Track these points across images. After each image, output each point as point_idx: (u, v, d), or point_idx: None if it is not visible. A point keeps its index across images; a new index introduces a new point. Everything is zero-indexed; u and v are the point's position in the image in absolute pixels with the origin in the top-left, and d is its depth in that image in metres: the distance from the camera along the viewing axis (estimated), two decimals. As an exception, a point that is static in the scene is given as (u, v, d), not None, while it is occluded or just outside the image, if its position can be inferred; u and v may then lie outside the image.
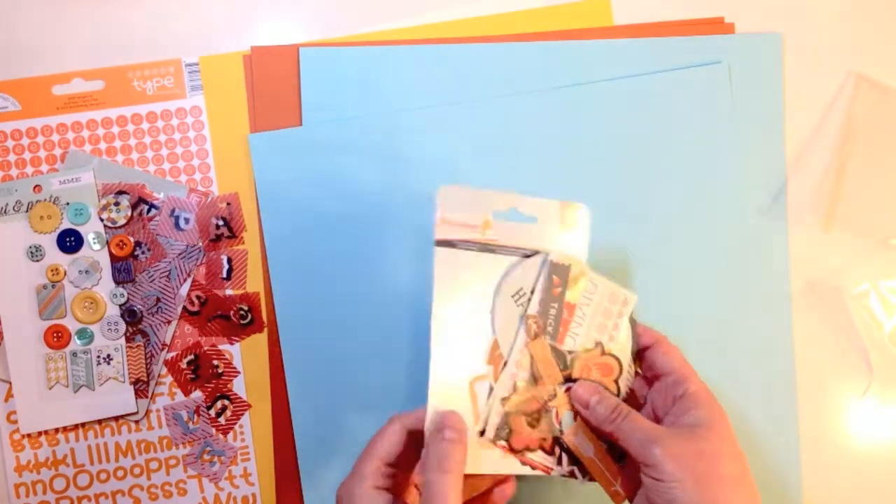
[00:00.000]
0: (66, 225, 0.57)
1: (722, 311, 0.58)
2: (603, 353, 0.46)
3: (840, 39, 0.61)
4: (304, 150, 0.59)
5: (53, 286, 0.57)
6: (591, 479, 0.46)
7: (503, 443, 0.45)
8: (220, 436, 0.58)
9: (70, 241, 0.57)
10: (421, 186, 0.59)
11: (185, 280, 0.58)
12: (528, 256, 0.46)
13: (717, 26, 0.60)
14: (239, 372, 0.58)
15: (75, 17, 0.59)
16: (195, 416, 0.58)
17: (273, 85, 0.59)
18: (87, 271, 0.57)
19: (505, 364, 0.46)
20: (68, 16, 0.59)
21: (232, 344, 0.58)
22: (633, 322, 0.47)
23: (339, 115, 0.59)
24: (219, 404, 0.58)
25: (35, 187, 0.57)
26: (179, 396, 0.58)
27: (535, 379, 0.46)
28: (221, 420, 0.58)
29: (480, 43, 0.60)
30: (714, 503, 0.40)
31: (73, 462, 0.58)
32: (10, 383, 0.57)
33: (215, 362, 0.58)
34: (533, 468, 0.46)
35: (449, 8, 0.60)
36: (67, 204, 0.57)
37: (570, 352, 0.46)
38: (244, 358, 0.58)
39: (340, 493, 0.44)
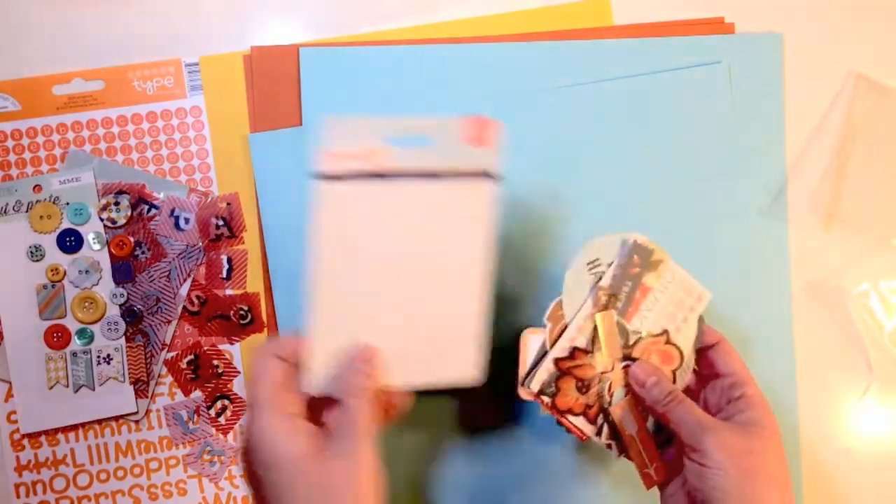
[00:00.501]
0: (66, 225, 0.57)
1: (722, 311, 0.58)
2: (668, 341, 0.47)
3: (840, 39, 0.61)
4: (304, 150, 0.59)
5: (53, 286, 0.57)
6: (627, 457, 0.47)
7: (547, 399, 0.46)
8: (220, 436, 0.58)
9: (70, 241, 0.57)
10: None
11: (185, 280, 0.58)
12: (427, 176, 0.44)
13: (717, 26, 0.60)
14: (239, 372, 0.58)
15: (75, 17, 0.59)
16: (195, 416, 0.58)
17: (273, 85, 0.59)
18: (87, 271, 0.57)
19: (566, 326, 0.46)
20: (68, 16, 0.59)
21: (232, 344, 0.58)
22: (700, 319, 0.47)
23: (339, 115, 0.59)
24: (219, 404, 0.58)
25: (35, 187, 0.57)
26: (179, 396, 0.58)
27: (594, 348, 0.46)
28: (221, 420, 0.58)
29: (480, 43, 0.60)
30: (754, 498, 0.41)
31: (73, 462, 0.58)
32: (10, 383, 0.57)
33: (215, 362, 0.58)
34: (569, 430, 0.46)
35: (449, 8, 0.60)
36: (67, 204, 0.57)
37: (635, 332, 0.47)
38: (244, 358, 0.58)
39: (253, 434, 0.42)
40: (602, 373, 0.46)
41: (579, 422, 0.46)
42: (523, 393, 0.46)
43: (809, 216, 0.59)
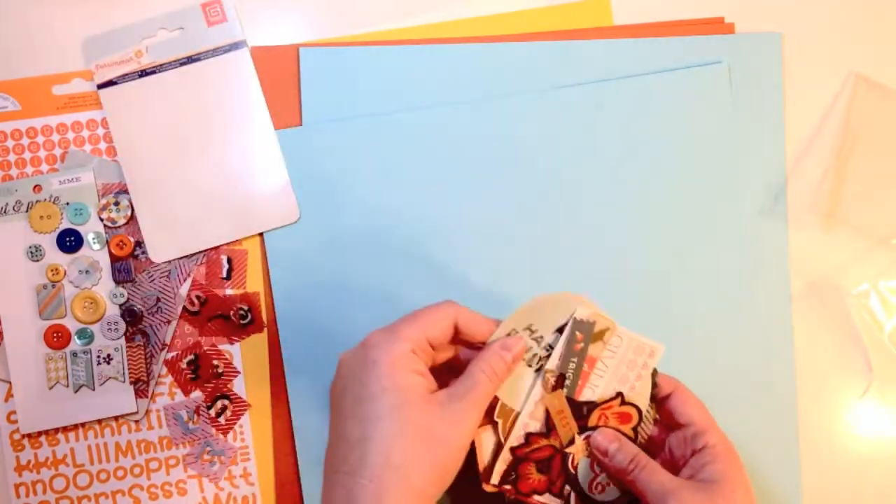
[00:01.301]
0: (65, 225, 0.57)
1: (722, 311, 0.58)
2: (623, 402, 0.47)
3: (840, 39, 0.61)
4: (304, 149, 0.59)
5: (53, 286, 0.57)
6: None
7: (508, 486, 0.46)
8: (220, 436, 0.58)
9: (70, 241, 0.57)
10: (421, 185, 0.59)
11: (184, 280, 0.58)
12: (188, 62, 0.54)
13: (717, 26, 0.60)
14: (239, 372, 0.58)
15: (75, 17, 0.59)
16: (195, 416, 0.58)
17: (273, 85, 0.59)
18: (87, 271, 0.57)
19: (517, 416, 0.46)
20: (68, 16, 0.59)
21: (232, 344, 0.58)
22: (654, 371, 0.47)
23: (339, 115, 0.59)
24: (219, 404, 0.58)
25: (35, 187, 0.57)
26: (179, 396, 0.58)
27: (548, 429, 0.46)
28: (221, 420, 0.58)
29: (480, 43, 0.60)
30: None
31: (73, 462, 0.58)
32: (10, 383, 0.57)
33: (215, 362, 0.58)
34: None
35: (449, 8, 0.60)
36: (67, 204, 0.57)
37: (587, 402, 0.47)
38: (244, 358, 0.58)
39: (371, 341, 0.45)
40: (562, 448, 0.46)
41: (545, 498, 0.46)
42: (487, 488, 0.46)
43: (809, 216, 0.59)
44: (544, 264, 0.58)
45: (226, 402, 0.58)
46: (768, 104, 0.60)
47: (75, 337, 0.57)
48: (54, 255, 0.57)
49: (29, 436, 0.57)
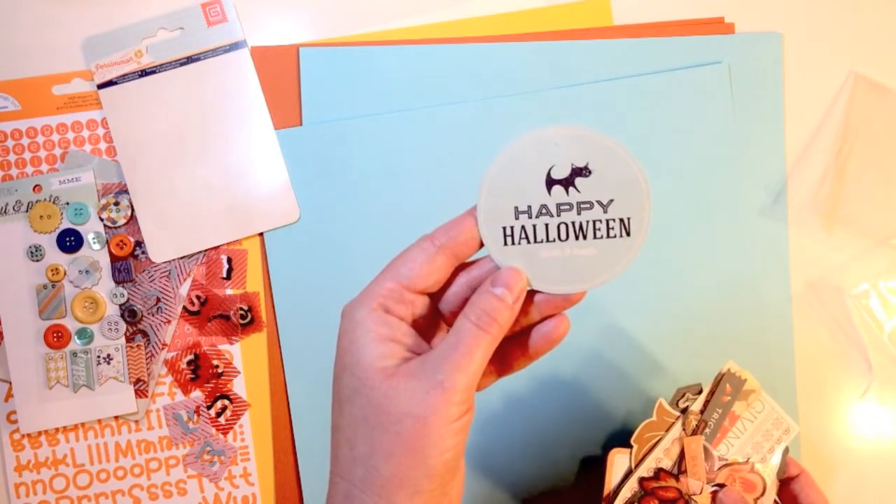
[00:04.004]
0: (65, 225, 0.57)
1: (722, 311, 0.58)
2: (752, 470, 0.47)
3: (840, 39, 0.61)
4: (304, 149, 0.59)
5: (53, 286, 0.57)
6: None
7: None
8: (220, 436, 0.58)
9: (70, 241, 0.57)
10: (421, 185, 0.59)
11: (184, 280, 0.58)
12: (187, 62, 0.52)
13: (717, 26, 0.60)
14: (239, 372, 0.58)
15: (75, 17, 0.59)
16: (195, 416, 0.58)
17: (273, 85, 0.59)
18: (87, 271, 0.57)
19: (653, 447, 0.47)
20: (68, 16, 0.59)
21: (232, 344, 0.58)
22: (786, 450, 0.48)
23: (339, 115, 0.59)
24: (219, 404, 0.58)
25: (35, 187, 0.57)
26: (179, 396, 0.58)
27: (679, 471, 0.47)
28: (221, 420, 0.58)
29: (480, 43, 0.60)
30: None
31: (73, 462, 0.58)
32: (10, 383, 0.57)
33: (215, 362, 0.58)
34: None
35: (449, 8, 0.60)
36: (67, 204, 0.57)
37: (721, 458, 0.47)
38: (244, 358, 0.58)
39: (343, 310, 0.37)
40: (687, 495, 0.47)
41: None
42: None
43: (809, 216, 0.59)
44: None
45: (226, 402, 0.58)
46: (768, 104, 0.60)
47: (75, 337, 0.57)
48: (54, 255, 0.57)
49: (29, 436, 0.57)
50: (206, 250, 0.58)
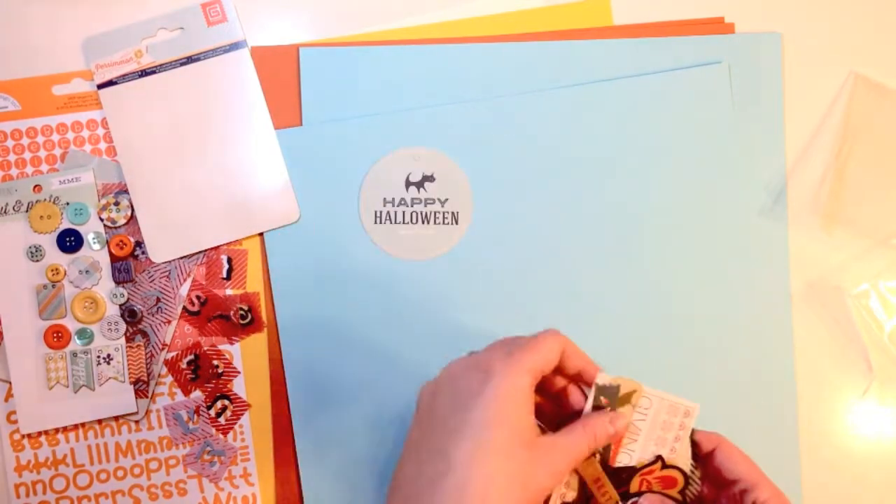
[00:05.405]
0: (65, 225, 0.57)
1: (722, 311, 0.58)
2: (664, 466, 0.45)
3: (840, 39, 0.61)
4: (304, 149, 0.59)
5: (53, 286, 0.57)
6: None
7: None
8: (220, 436, 0.58)
9: (70, 241, 0.57)
10: (421, 186, 0.59)
11: (185, 280, 0.58)
12: (187, 62, 0.52)
13: (717, 26, 0.60)
14: (239, 372, 0.58)
15: (75, 17, 0.59)
16: (195, 416, 0.58)
17: (273, 85, 0.59)
18: (87, 271, 0.57)
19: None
20: (68, 16, 0.59)
21: (232, 344, 0.58)
22: (692, 431, 0.46)
23: (339, 115, 0.59)
24: (219, 404, 0.58)
25: (35, 187, 0.57)
26: (179, 396, 0.58)
27: (587, 499, 0.45)
28: (221, 420, 0.58)
29: (480, 43, 0.60)
30: None
31: (73, 462, 0.58)
32: (10, 383, 0.57)
33: (215, 362, 0.58)
34: None
35: (449, 8, 0.60)
36: (67, 204, 0.57)
37: (626, 468, 0.45)
38: (244, 358, 0.58)
39: (490, 364, 0.41)
40: None
41: None
42: None
43: (809, 216, 0.59)
44: (543, 262, 0.58)
45: (226, 402, 0.58)
46: (768, 104, 0.60)
47: (75, 337, 0.57)
48: (54, 255, 0.57)
49: (29, 436, 0.57)
50: (206, 250, 0.58)
